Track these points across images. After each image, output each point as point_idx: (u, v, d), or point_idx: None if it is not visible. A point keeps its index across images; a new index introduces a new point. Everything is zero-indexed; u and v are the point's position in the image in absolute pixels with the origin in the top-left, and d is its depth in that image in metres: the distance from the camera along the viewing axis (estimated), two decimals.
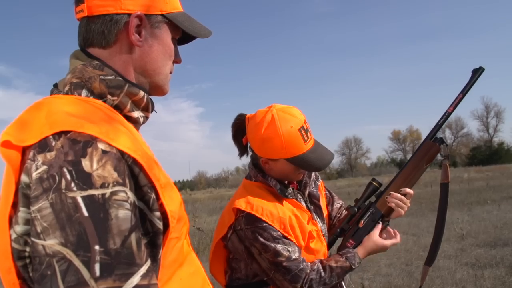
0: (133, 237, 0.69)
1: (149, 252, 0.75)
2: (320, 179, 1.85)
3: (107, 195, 0.69)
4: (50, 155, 0.70)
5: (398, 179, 1.74)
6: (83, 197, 0.67)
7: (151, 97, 0.99)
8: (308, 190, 1.73)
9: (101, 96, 0.86)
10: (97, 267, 0.65)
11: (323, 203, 1.80)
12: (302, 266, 1.53)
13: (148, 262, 0.72)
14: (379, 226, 1.75)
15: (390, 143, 78.39)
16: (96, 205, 0.67)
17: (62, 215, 0.66)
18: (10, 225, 0.73)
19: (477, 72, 1.66)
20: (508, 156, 58.77)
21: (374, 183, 1.78)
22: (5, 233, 0.73)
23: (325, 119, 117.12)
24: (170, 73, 1.02)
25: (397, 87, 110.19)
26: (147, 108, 0.96)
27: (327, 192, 1.94)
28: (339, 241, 1.83)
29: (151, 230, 0.76)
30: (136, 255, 0.69)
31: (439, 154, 1.72)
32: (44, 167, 0.69)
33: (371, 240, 1.71)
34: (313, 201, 1.74)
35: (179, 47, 1.07)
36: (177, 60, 1.04)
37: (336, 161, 79.90)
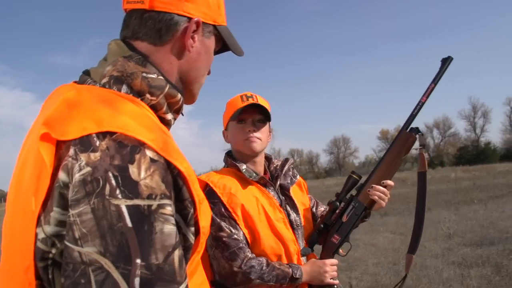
0: (176, 254, 0.67)
1: None
2: (298, 177, 1.91)
3: (153, 207, 0.66)
4: (94, 156, 0.66)
5: (378, 171, 1.75)
6: (128, 206, 0.64)
7: None
8: (279, 182, 1.80)
9: (139, 94, 0.83)
10: (137, 281, 0.62)
11: (300, 197, 1.85)
12: (241, 245, 1.58)
13: (187, 280, 0.70)
14: (333, 261, 1.77)
15: (378, 142, 78.65)
16: (141, 216, 0.64)
17: (103, 222, 0.63)
18: (38, 223, 0.68)
19: (446, 61, 1.70)
20: (494, 156, 59.40)
21: (354, 176, 1.79)
22: (30, 231, 0.69)
23: (314, 117, 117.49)
24: (203, 83, 1.02)
25: (385, 86, 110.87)
26: (179, 111, 0.95)
27: (311, 196, 2.01)
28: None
29: (184, 244, 0.74)
30: (177, 273, 0.67)
31: (416, 144, 1.73)
32: (88, 168, 0.65)
33: (312, 261, 1.74)
34: (284, 192, 1.79)
35: None
36: (209, 72, 1.03)
37: (325, 160, 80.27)
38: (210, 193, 1.65)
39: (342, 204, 1.79)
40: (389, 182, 1.74)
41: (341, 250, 1.79)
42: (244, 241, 1.62)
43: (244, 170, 1.71)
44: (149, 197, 0.65)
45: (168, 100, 0.88)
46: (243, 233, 1.62)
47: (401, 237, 8.09)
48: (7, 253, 0.76)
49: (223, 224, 1.60)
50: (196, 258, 0.83)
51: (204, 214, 0.79)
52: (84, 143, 0.68)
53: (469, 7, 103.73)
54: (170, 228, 0.67)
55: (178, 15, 0.88)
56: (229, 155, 1.82)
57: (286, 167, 1.86)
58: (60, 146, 0.69)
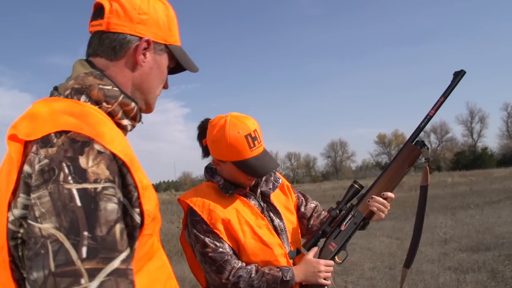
0: (117, 227, 0.81)
1: (128, 242, 0.86)
2: (280, 180, 1.91)
3: (98, 189, 0.80)
4: (51, 150, 0.81)
5: (380, 182, 1.75)
6: (78, 189, 0.78)
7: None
8: (259, 190, 1.80)
9: (97, 103, 0.98)
10: (84, 250, 0.75)
11: (283, 202, 1.86)
12: (227, 258, 1.63)
13: (128, 250, 0.83)
14: (314, 249, 1.78)
15: (375, 147, 78.77)
16: (89, 197, 0.79)
17: (58, 203, 0.77)
18: (9, 208, 0.83)
19: (458, 75, 1.68)
20: (491, 161, 59.56)
21: (356, 186, 1.79)
22: (2, 215, 0.84)
23: (311, 121, 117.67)
24: (158, 95, 1.16)
25: (383, 91, 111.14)
26: (135, 118, 1.09)
27: (299, 194, 1.99)
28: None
29: (130, 223, 0.89)
30: (118, 243, 0.80)
31: (420, 157, 1.73)
32: (46, 160, 0.80)
33: (306, 261, 1.74)
34: (265, 199, 1.80)
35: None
36: (166, 86, 1.18)
37: (322, 164, 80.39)
38: (192, 212, 1.69)
39: (342, 212, 1.79)
40: (390, 194, 1.75)
41: (337, 258, 1.79)
42: (231, 252, 1.65)
43: (221, 186, 1.72)
44: (95, 181, 0.80)
45: (123, 108, 1.03)
46: (228, 245, 1.66)
47: (397, 241, 8.10)
48: None
49: (207, 240, 1.64)
50: (149, 241, 0.97)
51: (148, 199, 0.92)
52: (44, 141, 0.83)
53: (468, 12, 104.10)
54: (112, 206, 0.81)
55: (131, 35, 1.04)
56: (208, 169, 1.82)
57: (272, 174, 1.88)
58: (27, 146, 0.85)
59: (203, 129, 1.81)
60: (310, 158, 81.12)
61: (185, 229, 1.79)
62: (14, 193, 0.83)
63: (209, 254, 1.63)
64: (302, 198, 1.99)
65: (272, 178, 1.88)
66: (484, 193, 15.88)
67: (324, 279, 1.73)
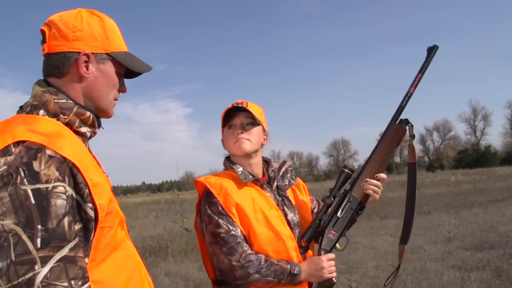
0: (65, 220, 0.95)
1: (83, 234, 1.00)
2: (297, 178, 1.96)
3: (49, 188, 0.94)
4: (10, 158, 0.95)
5: (371, 165, 1.77)
6: (32, 190, 0.92)
7: (99, 117, 1.25)
8: (276, 183, 1.86)
9: (55, 115, 1.11)
10: (38, 241, 0.90)
11: (298, 198, 1.91)
12: (239, 240, 1.65)
13: (76, 240, 0.96)
14: (330, 255, 1.79)
15: None
16: (41, 195, 0.93)
17: (16, 202, 0.91)
18: None
19: (432, 50, 1.72)
20: (494, 160, 59.44)
21: (346, 170, 1.81)
22: None
23: (313, 120, 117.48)
24: (115, 100, 1.27)
25: (385, 89, 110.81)
26: (94, 125, 1.21)
27: (313, 198, 2.05)
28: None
29: (84, 217, 1.01)
30: (67, 233, 0.94)
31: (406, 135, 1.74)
32: (5, 167, 0.94)
33: (309, 259, 1.77)
34: (280, 193, 1.85)
35: (128, 80, 1.34)
36: (122, 89, 1.29)
37: (324, 163, 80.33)
38: (208, 194, 1.74)
39: (336, 199, 1.80)
40: (382, 175, 1.77)
41: (338, 245, 1.80)
42: (242, 237, 1.68)
43: (239, 173, 1.78)
44: (47, 181, 0.94)
45: (80, 117, 1.16)
46: (240, 230, 1.69)
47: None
48: None
49: (220, 221, 1.67)
50: (110, 232, 1.09)
51: (100, 195, 1.04)
52: (4, 151, 0.96)
53: (470, 10, 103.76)
54: (61, 201, 0.95)
55: (70, 52, 1.15)
56: (228, 159, 1.90)
57: (283, 168, 1.92)
58: None
59: None
60: (312, 157, 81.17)
61: (198, 214, 1.82)
62: None
63: (222, 235, 1.66)
64: (315, 202, 2.04)
65: (289, 175, 1.94)
66: (488, 192, 15.82)
67: (329, 273, 1.75)
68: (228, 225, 1.67)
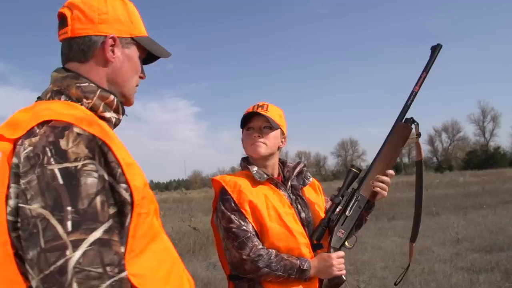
0: (98, 200, 0.87)
1: (117, 219, 0.92)
2: (311, 179, 2.02)
3: (78, 167, 0.87)
4: (34, 139, 0.89)
5: (378, 163, 1.79)
6: (60, 169, 0.86)
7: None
8: (290, 183, 1.91)
9: (78, 100, 1.05)
10: (69, 224, 0.83)
11: (313, 198, 1.95)
12: (249, 235, 1.70)
13: (111, 221, 0.89)
14: (339, 253, 1.81)
15: None
16: (70, 174, 0.86)
17: (43, 184, 0.84)
18: (6, 202, 0.88)
19: (436, 49, 1.74)
20: (504, 161, 58.96)
21: (354, 169, 1.83)
22: (2, 210, 0.88)
23: (322, 120, 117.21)
24: (136, 86, 1.23)
25: (393, 89, 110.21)
26: (118, 110, 1.15)
27: (329, 201, 2.03)
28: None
29: (118, 199, 0.93)
30: (99, 214, 0.87)
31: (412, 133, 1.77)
32: (30, 147, 0.88)
33: (319, 256, 1.79)
34: (294, 192, 1.91)
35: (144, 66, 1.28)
36: (142, 75, 1.25)
37: (332, 163, 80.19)
38: (223, 191, 1.82)
39: (345, 198, 1.82)
40: (391, 171, 1.80)
41: (347, 243, 1.82)
42: (253, 232, 1.74)
43: (254, 172, 1.84)
44: (75, 160, 0.87)
45: (104, 101, 1.10)
46: (252, 226, 1.74)
47: (409, 241, 8.04)
48: None
49: (233, 217, 1.74)
50: (147, 220, 1.01)
51: (134, 175, 0.97)
52: (29, 133, 0.91)
53: (479, 11, 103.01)
54: (92, 180, 0.88)
55: (95, 35, 1.11)
56: (244, 160, 1.97)
57: (298, 168, 1.97)
58: (15, 144, 0.92)
59: None
60: (320, 157, 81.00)
61: (214, 212, 1.88)
62: (8, 188, 0.88)
63: (233, 230, 1.72)
64: (330, 202, 2.03)
65: (303, 175, 1.99)
66: (497, 193, 15.71)
67: (339, 270, 1.77)
68: (240, 220, 1.73)
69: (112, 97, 1.11)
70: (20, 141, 0.90)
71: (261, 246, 1.72)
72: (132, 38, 1.17)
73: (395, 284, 1.90)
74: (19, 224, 0.85)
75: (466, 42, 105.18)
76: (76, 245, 0.82)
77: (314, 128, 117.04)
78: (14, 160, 0.89)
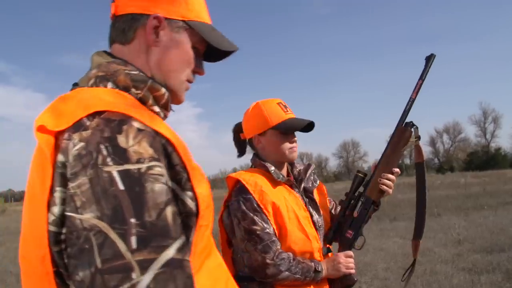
0: (168, 210, 0.70)
1: (184, 233, 0.75)
2: (318, 182, 2.03)
3: (142, 170, 0.70)
4: (86, 133, 0.72)
5: (382, 166, 1.85)
6: (119, 172, 0.68)
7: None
8: (303, 185, 1.91)
9: (126, 89, 0.88)
10: (133, 239, 0.65)
11: (320, 199, 1.97)
12: (274, 239, 1.68)
13: (183, 237, 0.72)
14: (348, 252, 1.85)
15: None
16: (132, 179, 0.69)
17: (98, 189, 0.67)
18: (48, 209, 0.72)
19: (430, 59, 1.81)
20: (505, 162, 58.89)
21: (360, 174, 1.90)
22: (42, 219, 0.73)
23: (323, 121, 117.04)
24: (189, 81, 1.02)
25: (395, 91, 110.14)
26: (166, 106, 0.97)
27: (332, 201, 2.12)
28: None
29: (183, 210, 0.78)
30: (171, 228, 0.70)
31: (412, 136, 1.82)
32: (82, 143, 0.71)
33: (332, 257, 1.83)
34: (307, 195, 1.91)
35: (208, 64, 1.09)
36: (198, 70, 1.04)
37: (334, 164, 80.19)
38: (242, 189, 1.75)
39: (352, 201, 1.89)
40: (397, 169, 1.84)
41: (356, 245, 1.88)
42: (276, 236, 1.71)
43: (272, 171, 1.81)
44: (138, 161, 0.70)
45: (153, 94, 0.92)
46: (273, 229, 1.71)
47: (410, 242, 8.06)
48: (23, 249, 0.81)
49: (256, 218, 1.68)
50: (206, 233, 0.86)
51: (199, 182, 0.81)
52: (77, 126, 0.74)
53: (481, 12, 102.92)
54: (160, 186, 0.71)
55: (138, 14, 0.93)
56: (257, 156, 1.91)
57: (309, 171, 1.97)
58: (58, 137, 0.75)
59: (237, 129, 1.99)
60: (322, 158, 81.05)
61: (224, 209, 1.84)
62: (51, 191, 0.73)
63: (257, 232, 1.67)
64: (333, 202, 2.11)
65: (312, 178, 2.00)
66: (498, 194, 15.71)
67: (347, 268, 1.80)
68: (263, 222, 1.68)
69: (163, 90, 0.94)
70: (67, 134, 0.74)
71: (281, 250, 1.70)
72: (184, 21, 0.96)
73: (402, 281, 1.97)
74: (63, 237, 0.71)
75: (467, 43, 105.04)
76: (144, 266, 0.65)
77: (315, 129, 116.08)
78: (60, 157, 0.72)
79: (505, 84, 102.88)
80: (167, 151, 0.76)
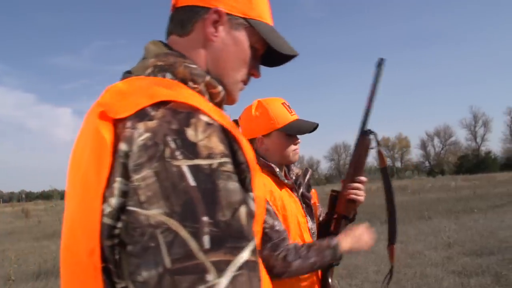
0: (242, 210, 0.66)
1: None
2: (312, 188, 1.98)
3: (214, 166, 0.65)
4: (151, 124, 0.67)
5: (346, 179, 1.81)
6: (189, 166, 0.64)
7: None
8: (301, 190, 1.88)
9: (183, 81, 0.83)
10: (206, 239, 0.61)
11: (314, 206, 1.93)
12: (283, 236, 1.63)
13: (255, 240, 0.68)
14: (363, 226, 1.82)
15: None
16: (203, 175, 0.64)
17: (166, 184, 0.63)
18: (104, 200, 0.67)
19: (380, 64, 1.74)
20: (494, 165, 59.46)
21: (333, 193, 1.84)
22: (95, 210, 0.67)
23: None
24: (243, 83, 0.98)
25: (386, 94, 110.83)
26: (220, 105, 0.91)
27: (320, 208, 2.07)
28: None
29: None
30: (245, 230, 0.66)
31: (373, 144, 1.81)
32: (148, 134, 0.66)
33: (351, 232, 1.77)
34: (305, 200, 1.88)
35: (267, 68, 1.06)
36: (254, 72, 0.99)
37: (325, 167, 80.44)
38: None
39: (328, 223, 1.84)
40: (362, 177, 1.78)
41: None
42: (285, 234, 1.65)
43: (278, 173, 1.78)
44: (209, 156, 0.65)
45: (209, 90, 0.87)
46: (284, 227, 1.67)
47: (401, 245, 8.09)
48: (69, 240, 0.76)
49: (266, 217, 1.63)
50: (257, 239, 0.76)
51: (257, 184, 0.77)
52: (140, 115, 0.68)
53: (473, 16, 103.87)
54: (233, 184, 0.67)
55: (199, 6, 0.90)
56: (260, 155, 1.84)
57: (308, 176, 1.95)
58: (117, 125, 0.70)
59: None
60: (313, 161, 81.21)
61: None
62: (108, 181, 0.67)
63: (265, 231, 1.61)
64: (321, 209, 2.07)
65: (306, 182, 1.96)
66: (488, 197, 15.83)
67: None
68: (274, 221, 1.64)
69: (219, 88, 0.89)
70: (130, 123, 0.69)
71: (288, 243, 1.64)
72: (245, 19, 0.93)
73: None
74: (117, 231, 0.66)
75: (459, 46, 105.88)
76: (220, 268, 0.61)
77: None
78: (123, 146, 0.67)
79: (495, 88, 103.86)
80: (233, 148, 0.71)
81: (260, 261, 0.74)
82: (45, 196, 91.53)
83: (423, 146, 75.44)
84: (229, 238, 0.63)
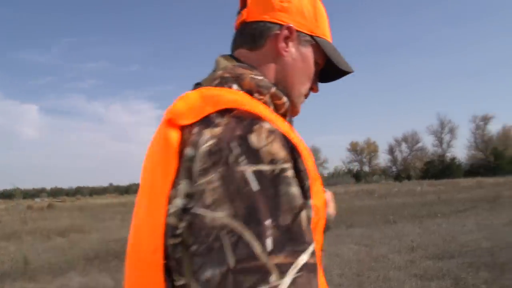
0: (303, 215, 0.69)
1: None
2: None
3: (276, 172, 0.68)
4: (217, 130, 0.71)
5: None
6: (253, 171, 0.67)
7: None
8: None
9: (249, 92, 0.87)
10: (269, 241, 0.64)
11: None
12: None
13: (314, 244, 0.70)
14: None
15: (348, 154, 79.87)
16: (266, 180, 0.67)
17: (231, 188, 0.66)
18: (169, 200, 0.71)
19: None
20: (459, 171, 61.04)
21: None
22: (160, 210, 0.72)
23: None
24: (305, 97, 1.04)
25: (356, 98, 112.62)
26: (285, 116, 0.95)
27: None
28: None
29: None
30: (306, 234, 0.69)
31: None
32: (213, 140, 0.70)
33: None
34: None
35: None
36: (314, 86, 1.05)
37: None
38: None
39: None
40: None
41: None
42: None
43: None
44: (271, 162, 0.68)
45: (274, 101, 0.91)
46: None
47: (366, 248, 8.19)
48: (135, 238, 0.81)
49: None
50: (317, 248, 0.79)
51: (317, 193, 0.80)
52: (206, 122, 0.73)
53: (441, 24, 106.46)
54: (294, 190, 0.69)
55: (271, 22, 0.95)
56: None
57: None
58: (184, 131, 0.74)
59: None
60: None
61: None
62: (174, 183, 0.72)
63: None
64: None
65: None
66: (451, 202, 16.21)
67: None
68: None
69: (284, 99, 0.93)
70: (196, 129, 0.73)
71: None
72: (312, 36, 0.99)
73: None
74: (179, 231, 0.70)
75: (428, 54, 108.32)
76: (282, 270, 0.63)
77: None
78: (189, 151, 0.72)
79: (462, 96, 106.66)
80: (293, 155, 0.74)
81: (318, 263, 0.77)
82: (7, 195, 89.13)
83: (391, 151, 76.92)
84: (290, 241, 0.65)
